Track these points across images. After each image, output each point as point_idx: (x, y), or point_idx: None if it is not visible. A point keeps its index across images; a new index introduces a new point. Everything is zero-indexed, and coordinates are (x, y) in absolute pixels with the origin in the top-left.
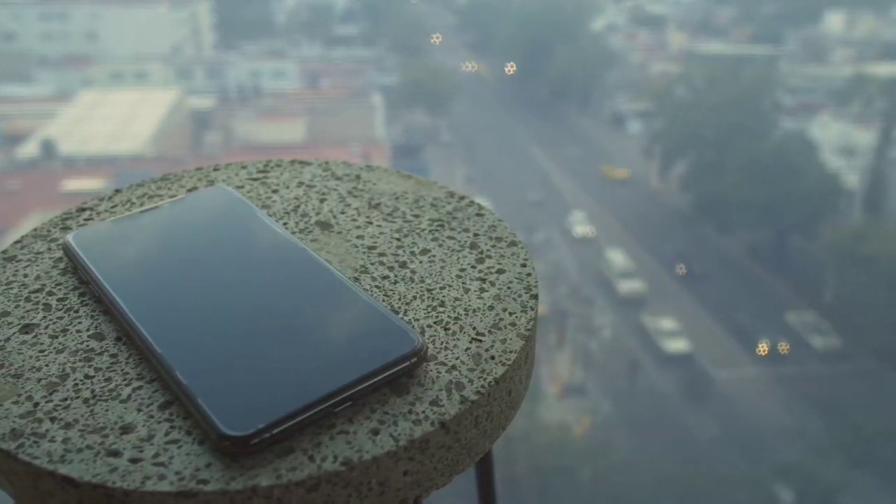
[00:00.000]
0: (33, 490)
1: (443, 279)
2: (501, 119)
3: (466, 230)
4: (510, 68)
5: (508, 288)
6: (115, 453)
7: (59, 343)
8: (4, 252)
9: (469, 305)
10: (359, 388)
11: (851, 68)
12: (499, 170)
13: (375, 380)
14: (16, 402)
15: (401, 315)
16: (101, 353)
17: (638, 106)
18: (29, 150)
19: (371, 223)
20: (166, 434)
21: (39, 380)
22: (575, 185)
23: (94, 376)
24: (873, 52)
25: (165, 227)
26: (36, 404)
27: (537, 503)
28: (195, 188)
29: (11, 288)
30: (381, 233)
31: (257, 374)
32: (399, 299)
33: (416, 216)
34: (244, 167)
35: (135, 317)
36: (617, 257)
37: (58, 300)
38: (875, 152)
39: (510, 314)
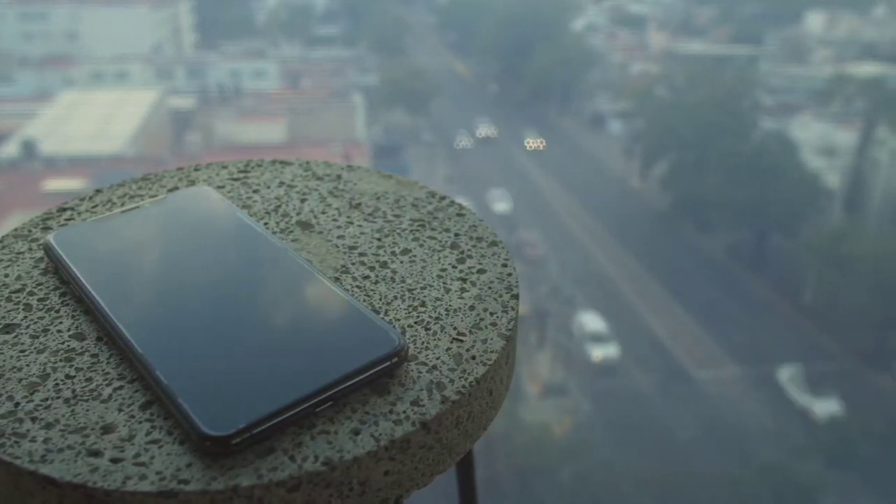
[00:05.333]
0: (14, 490)
1: (424, 279)
2: (482, 118)
3: (447, 230)
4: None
5: (489, 288)
6: (96, 453)
7: (40, 343)
8: None
9: (450, 305)
10: (340, 388)
11: (832, 68)
12: (479, 169)
13: (356, 380)
14: None
15: (381, 315)
16: (81, 353)
17: (618, 106)
18: (9, 150)
19: (352, 223)
20: (147, 434)
21: (20, 380)
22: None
23: (74, 376)
24: (853, 52)
25: (146, 227)
26: (17, 404)
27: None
28: (176, 188)
29: None
30: (361, 233)
31: (238, 374)
32: (380, 299)
33: (397, 216)
34: (225, 167)
35: (116, 317)
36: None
37: (38, 300)
38: (855, 152)
39: (491, 314)
